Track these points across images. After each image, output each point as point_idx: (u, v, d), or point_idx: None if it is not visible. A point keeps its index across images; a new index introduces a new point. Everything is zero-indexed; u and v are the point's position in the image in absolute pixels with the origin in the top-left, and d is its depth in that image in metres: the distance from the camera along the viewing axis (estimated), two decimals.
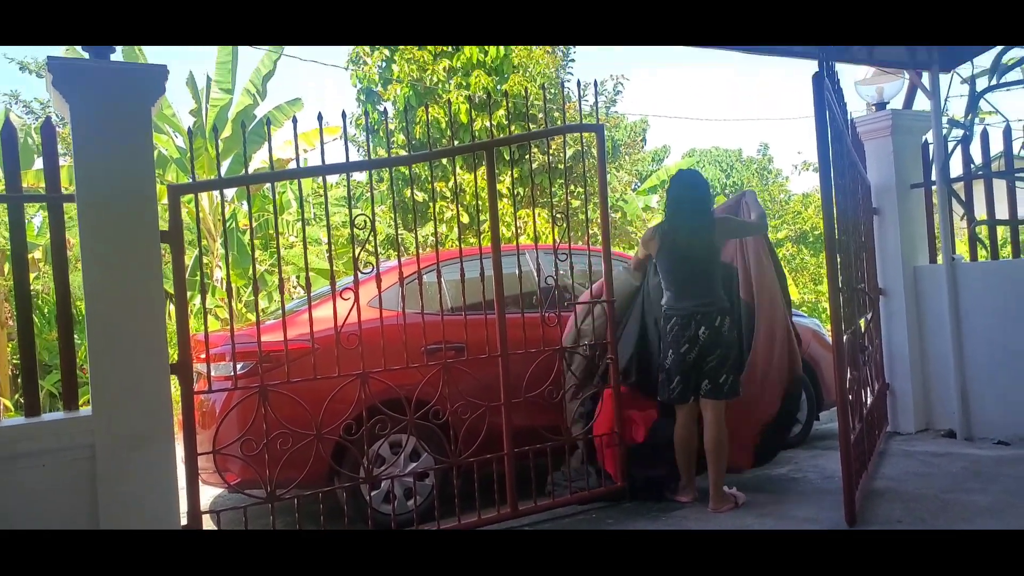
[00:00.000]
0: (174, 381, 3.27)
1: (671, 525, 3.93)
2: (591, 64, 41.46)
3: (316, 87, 48.95)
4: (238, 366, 3.88)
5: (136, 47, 11.07)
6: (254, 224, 12.11)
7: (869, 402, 4.78)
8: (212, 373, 3.95)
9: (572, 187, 10.44)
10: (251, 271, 3.59)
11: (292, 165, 10.93)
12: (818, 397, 5.68)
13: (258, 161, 12.03)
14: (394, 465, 4.05)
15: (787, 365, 4.59)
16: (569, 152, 10.57)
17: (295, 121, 3.72)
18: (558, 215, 9.13)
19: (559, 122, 9.56)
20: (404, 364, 3.73)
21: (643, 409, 4.46)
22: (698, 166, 26.18)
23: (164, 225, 3.30)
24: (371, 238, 3.77)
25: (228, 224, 12.24)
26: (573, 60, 13.04)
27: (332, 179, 17.22)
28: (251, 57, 53.93)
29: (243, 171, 6.34)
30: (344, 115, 3.74)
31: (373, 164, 3.96)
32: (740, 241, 4.66)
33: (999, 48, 5.58)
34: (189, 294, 10.57)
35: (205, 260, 12.43)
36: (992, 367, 5.32)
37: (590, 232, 4.65)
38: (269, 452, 3.42)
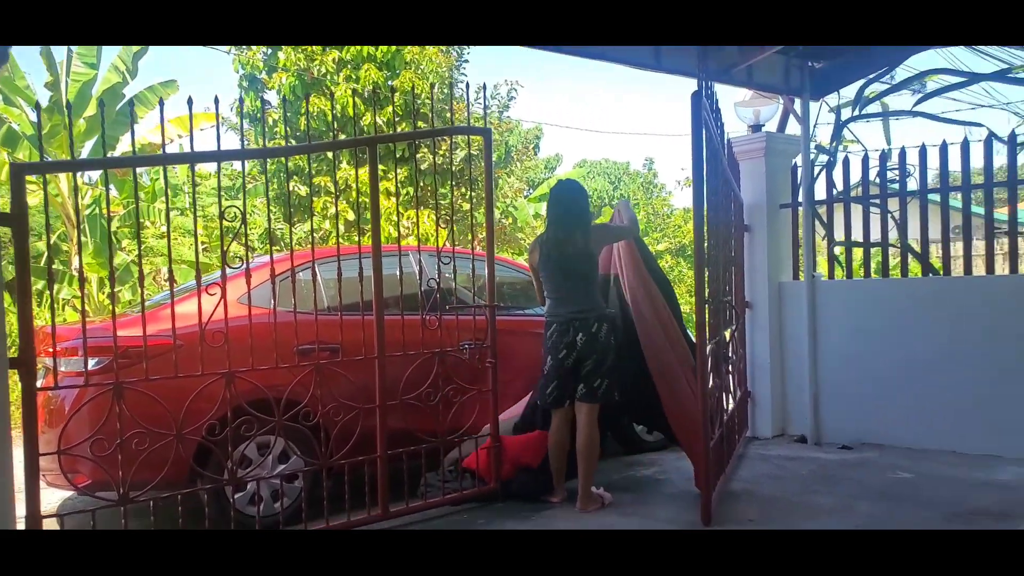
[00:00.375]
0: (14, 376, 3.03)
1: (539, 525, 3.98)
2: (485, 67, 41.72)
3: (195, 70, 46.87)
4: (92, 362, 3.65)
5: None
6: (124, 212, 11.55)
7: (731, 408, 5.01)
8: (62, 368, 3.69)
9: (461, 190, 10.44)
10: (111, 261, 3.37)
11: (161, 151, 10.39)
12: None
13: (126, 144, 11.38)
14: (261, 467, 3.91)
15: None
16: (460, 155, 10.59)
17: (162, 103, 3.53)
18: (444, 217, 9.11)
19: (449, 123, 9.53)
20: (273, 364, 3.62)
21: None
22: (588, 177, 26.83)
23: (6, 207, 3.05)
24: (243, 231, 3.62)
25: (91, 211, 11.51)
26: (467, 61, 13.04)
27: (210, 168, 16.52)
28: None
29: (103, 154, 5.95)
30: (216, 100, 3.57)
31: (247, 154, 3.83)
32: (615, 252, 4.78)
33: (862, 81, 5.99)
34: (43, 283, 9.86)
35: (64, 248, 11.64)
36: (841, 377, 5.70)
37: (477, 236, 4.66)
38: (123, 453, 3.24)
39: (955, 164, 5.29)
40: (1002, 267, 6.20)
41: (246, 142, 8.70)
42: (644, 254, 4.82)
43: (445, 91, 10.95)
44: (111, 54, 11.56)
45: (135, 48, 11.08)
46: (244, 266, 3.60)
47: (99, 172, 11.32)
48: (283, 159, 10.10)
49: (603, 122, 58.70)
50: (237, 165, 17.18)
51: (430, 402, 4.16)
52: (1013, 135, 5.13)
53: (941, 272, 5.60)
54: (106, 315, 4.18)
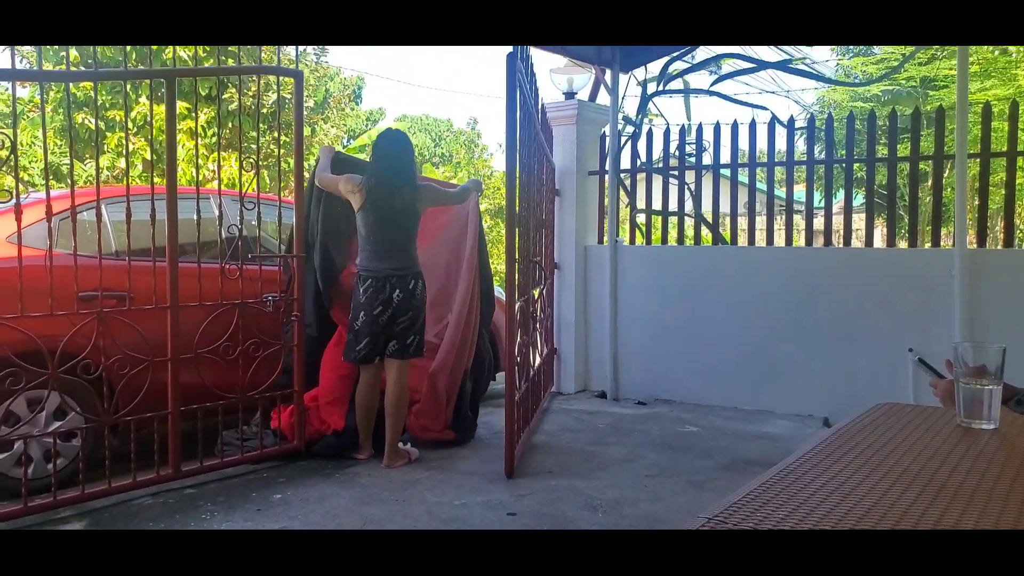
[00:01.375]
0: None
1: (344, 481, 3.95)
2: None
3: None
4: None
5: None
6: None
7: (537, 364, 5.21)
8: None
9: (273, 134, 9.94)
10: None
11: None
12: (496, 359, 6.06)
13: None
14: (32, 424, 3.56)
15: (474, 335, 4.85)
16: (271, 97, 10.04)
17: None
18: (248, 163, 8.64)
19: (259, 63, 9.02)
20: (47, 311, 3.28)
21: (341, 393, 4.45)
22: (409, 132, 26.40)
23: None
24: (11, 161, 3.21)
25: None
26: None
27: None
28: None
29: None
30: None
31: (21, 75, 3.40)
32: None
33: (667, 59, 6.33)
34: None
35: None
36: (639, 337, 6.09)
37: (288, 184, 4.44)
38: None
39: (744, 144, 5.77)
40: (780, 240, 6.85)
41: (25, 63, 7.73)
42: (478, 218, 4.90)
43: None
44: None
45: None
46: (13, 201, 3.20)
47: None
48: (73, 89, 9.14)
49: (427, 78, 58.04)
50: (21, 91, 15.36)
51: (228, 356, 3.96)
52: (792, 120, 5.66)
53: (729, 242, 6.10)
54: None
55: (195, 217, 3.84)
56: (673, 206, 6.20)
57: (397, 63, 55.68)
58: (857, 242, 6.04)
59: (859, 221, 8.81)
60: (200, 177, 8.37)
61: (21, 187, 3.27)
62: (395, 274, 4.13)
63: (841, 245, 5.53)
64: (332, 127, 15.18)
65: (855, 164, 5.72)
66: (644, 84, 6.53)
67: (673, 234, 6.37)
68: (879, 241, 5.70)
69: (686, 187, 6.05)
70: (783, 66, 6.63)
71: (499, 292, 6.47)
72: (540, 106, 5.30)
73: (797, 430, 5.07)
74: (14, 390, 3.26)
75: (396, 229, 4.16)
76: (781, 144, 5.90)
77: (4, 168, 3.28)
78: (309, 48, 13.66)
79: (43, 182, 3.42)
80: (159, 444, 3.73)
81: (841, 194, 5.68)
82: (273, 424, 4.36)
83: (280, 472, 4.12)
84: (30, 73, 3.43)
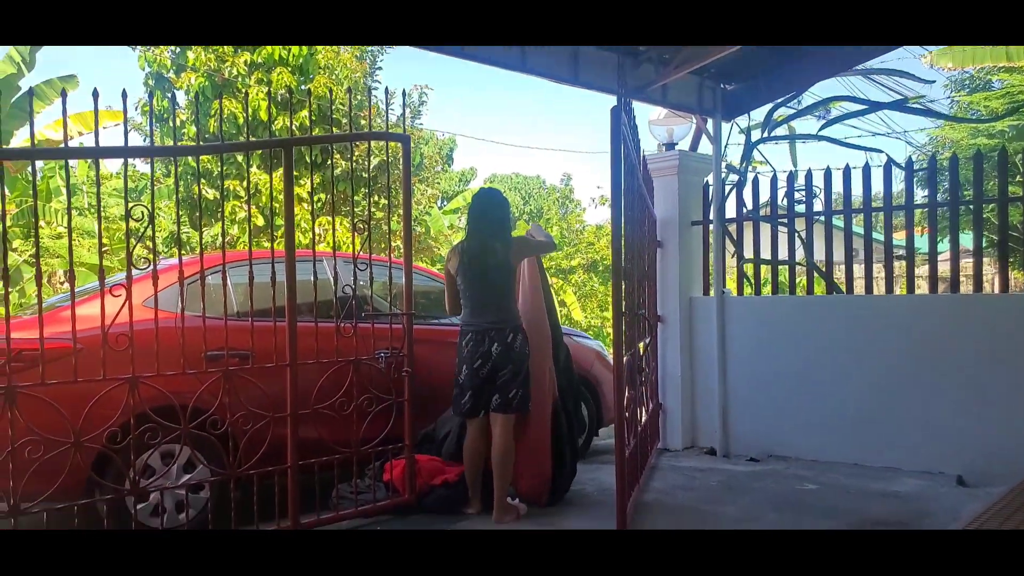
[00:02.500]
0: None
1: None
2: (398, 76, 41.49)
3: (94, 67, 44.74)
4: None
5: None
6: (16, 211, 10.87)
7: (644, 420, 5.10)
8: None
9: (376, 198, 10.31)
10: (5, 259, 3.14)
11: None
12: (599, 414, 5.98)
13: (20, 139, 10.74)
14: (165, 476, 3.72)
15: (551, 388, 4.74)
16: (374, 162, 10.45)
17: (64, 95, 3.32)
18: (359, 224, 8.96)
19: (364, 129, 9.43)
20: (180, 369, 3.46)
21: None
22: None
23: None
24: (149, 232, 3.45)
25: None
26: (380, 68, 12.95)
27: (112, 168, 15.75)
28: None
29: None
30: (124, 93, 3.39)
31: (156, 151, 3.67)
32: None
33: (770, 105, 6.24)
34: None
35: None
36: (749, 391, 5.89)
37: (392, 244, 4.57)
38: (14, 462, 3.02)
39: (857, 188, 5.58)
40: (902, 288, 6.55)
41: (153, 143, 8.35)
42: (541, 270, 4.83)
43: (359, 97, 10.81)
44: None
45: None
46: (151, 267, 3.42)
47: None
48: (192, 162, 9.76)
49: (519, 137, 59.24)
50: (141, 167, 16.50)
51: (343, 412, 4.06)
52: (910, 162, 5.44)
53: (844, 291, 5.87)
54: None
55: (311, 279, 3.99)
56: (782, 255, 6.04)
57: (488, 124, 57.16)
58: (967, 287, 5.71)
59: (968, 267, 8.36)
60: (309, 240, 8.69)
61: (149, 253, 3.49)
62: (493, 327, 4.20)
63: (971, 291, 5.24)
64: (429, 188, 15.62)
65: (961, 207, 5.41)
66: (748, 131, 6.44)
67: (783, 283, 6.17)
68: (997, 286, 5.36)
69: (796, 235, 5.88)
70: (898, 106, 6.41)
71: (595, 344, 6.42)
72: (642, 158, 5.30)
73: (928, 488, 4.75)
74: (151, 444, 3.43)
75: (490, 284, 4.24)
76: (893, 187, 5.67)
77: (139, 238, 3.51)
78: (406, 112, 14.18)
79: (166, 250, 3.64)
80: (279, 497, 3.83)
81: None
82: (386, 477, 4.42)
83: (392, 526, 4.15)
84: (165, 149, 3.71)
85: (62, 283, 11.56)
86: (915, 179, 5.56)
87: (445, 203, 18.34)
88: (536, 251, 4.65)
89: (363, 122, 9.84)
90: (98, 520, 3.52)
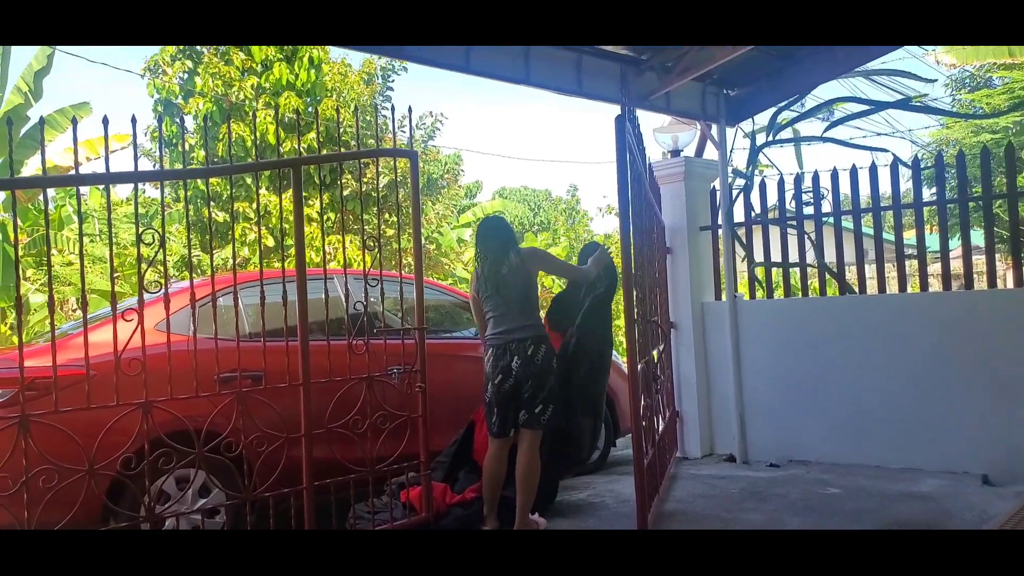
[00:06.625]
0: None
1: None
2: (406, 96, 41.71)
3: (103, 95, 45.29)
4: None
5: None
6: (28, 240, 10.96)
7: (661, 428, 5.06)
8: None
9: (386, 216, 10.33)
10: (19, 287, 3.15)
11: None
12: (615, 425, 5.94)
13: (31, 169, 10.83)
14: (180, 501, 3.71)
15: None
16: (383, 181, 10.49)
17: (75, 122, 3.35)
18: (369, 241, 8.97)
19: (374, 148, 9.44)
20: (193, 393, 3.45)
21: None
22: (508, 203, 27.03)
23: None
24: (160, 256, 3.45)
25: None
26: (391, 89, 12.94)
27: (122, 195, 15.86)
28: (24, 52, 48.91)
29: (11, 175, 5.63)
30: (134, 120, 3.42)
31: (166, 175, 3.68)
32: None
33: (774, 109, 6.23)
34: None
35: None
36: (766, 395, 5.83)
37: (403, 261, 4.57)
38: (29, 490, 3.02)
39: (865, 188, 5.54)
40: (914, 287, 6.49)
41: (162, 167, 8.38)
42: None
43: (368, 119, 10.86)
44: (13, 74, 11.02)
45: (37, 67, 10.61)
46: (162, 291, 3.42)
47: (1, 196, 10.70)
48: (201, 186, 9.81)
49: (524, 149, 59.45)
50: (151, 192, 16.61)
51: (358, 430, 4.03)
52: (917, 160, 5.41)
53: (856, 291, 5.82)
54: (11, 346, 3.91)
55: (322, 297, 3.98)
56: (793, 258, 6.00)
57: (493, 139, 57.36)
58: (981, 283, 5.64)
59: (979, 264, 8.29)
60: (319, 259, 8.69)
61: (160, 277, 3.50)
62: (513, 340, 4.11)
63: (987, 287, 5.18)
64: (441, 207, 15.65)
65: (971, 203, 5.35)
66: (752, 136, 6.43)
67: (794, 286, 6.13)
68: (1011, 281, 5.31)
69: (806, 237, 5.85)
70: (902, 104, 6.38)
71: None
72: (648, 165, 5.29)
73: (952, 488, 4.68)
74: (166, 469, 3.43)
75: (508, 290, 4.16)
76: (900, 186, 5.62)
77: (150, 262, 3.51)
78: (417, 135, 14.22)
79: (176, 273, 3.64)
80: (296, 519, 3.81)
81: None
82: (403, 497, 4.39)
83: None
84: (175, 172, 3.72)
85: (74, 310, 11.62)
86: (922, 178, 5.52)
87: (456, 219, 18.30)
88: (557, 271, 4.56)
89: (371, 142, 9.88)
90: None
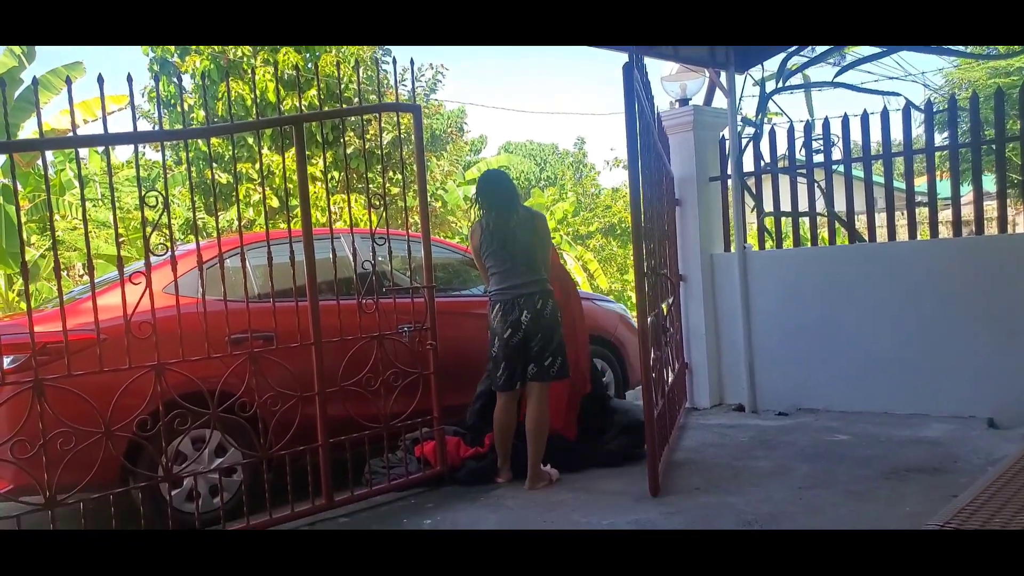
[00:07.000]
0: None
1: (490, 505, 3.96)
2: (407, 48, 41.17)
3: (96, 53, 44.70)
4: (7, 360, 3.42)
5: None
6: (31, 205, 10.94)
7: (670, 380, 5.07)
8: None
9: (391, 173, 10.24)
10: (23, 252, 3.14)
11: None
12: (624, 377, 5.96)
13: (27, 132, 10.74)
14: (197, 461, 3.75)
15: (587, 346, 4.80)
16: (387, 138, 10.37)
17: (69, 82, 3.28)
18: (375, 200, 8.92)
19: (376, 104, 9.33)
20: (205, 355, 3.46)
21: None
22: (514, 158, 26.82)
23: None
24: (164, 219, 3.42)
25: None
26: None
27: (122, 158, 15.77)
28: None
29: (7, 139, 5.58)
30: (130, 79, 3.34)
31: (166, 135, 3.63)
32: None
33: (784, 55, 6.10)
34: None
35: None
36: (775, 346, 5.83)
37: (409, 220, 4.54)
38: (47, 454, 3.05)
39: (876, 134, 5.46)
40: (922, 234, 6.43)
41: (162, 128, 8.30)
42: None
43: (369, 74, 10.71)
44: None
45: None
46: (169, 254, 3.41)
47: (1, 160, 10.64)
48: (203, 147, 9.73)
49: (530, 102, 58.75)
50: (151, 154, 16.50)
51: (370, 387, 4.06)
52: (930, 104, 5.32)
53: (866, 239, 5.77)
54: (19, 311, 3.92)
55: (330, 257, 3.97)
56: (803, 207, 5.94)
57: (497, 90, 56.66)
58: (991, 229, 5.59)
59: (990, 210, 8.20)
60: (324, 219, 8.66)
61: (166, 240, 3.48)
62: (522, 293, 4.12)
63: (997, 232, 5.13)
64: (446, 163, 15.53)
65: (983, 147, 5.26)
66: (762, 83, 6.31)
67: (804, 235, 6.08)
68: (1022, 226, 5.26)
69: (816, 185, 5.78)
70: (915, 46, 6.23)
71: (618, 307, 6.40)
72: (656, 115, 5.21)
73: (959, 432, 4.70)
74: (181, 430, 3.46)
75: (515, 244, 4.15)
76: (912, 132, 5.53)
77: (155, 225, 3.50)
78: (418, 89, 14.04)
79: (181, 236, 3.62)
80: (312, 476, 3.86)
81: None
82: (417, 452, 4.44)
83: (427, 498, 4.17)
84: (175, 132, 3.68)
85: (81, 276, 11.64)
86: (934, 123, 5.42)
87: (462, 175, 18.16)
88: (544, 251, 4.39)
89: (372, 98, 9.76)
90: (134, 508, 3.55)
